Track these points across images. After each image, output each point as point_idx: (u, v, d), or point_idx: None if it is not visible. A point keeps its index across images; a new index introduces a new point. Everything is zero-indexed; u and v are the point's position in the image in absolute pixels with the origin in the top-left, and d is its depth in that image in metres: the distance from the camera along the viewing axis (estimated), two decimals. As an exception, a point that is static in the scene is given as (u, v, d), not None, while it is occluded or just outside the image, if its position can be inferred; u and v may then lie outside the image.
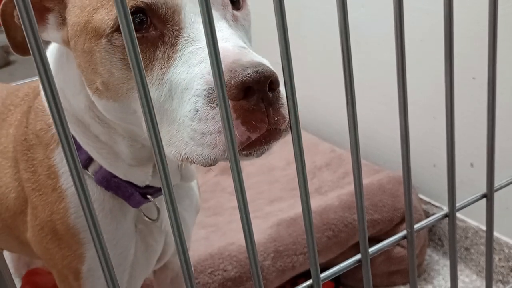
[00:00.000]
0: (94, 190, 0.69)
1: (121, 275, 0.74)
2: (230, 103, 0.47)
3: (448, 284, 1.36)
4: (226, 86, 0.47)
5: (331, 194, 1.38)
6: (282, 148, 1.68)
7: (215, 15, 0.55)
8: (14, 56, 3.35)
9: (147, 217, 0.73)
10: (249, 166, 1.61)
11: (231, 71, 0.47)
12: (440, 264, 1.44)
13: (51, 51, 0.70)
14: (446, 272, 1.41)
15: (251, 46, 0.62)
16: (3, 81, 1.03)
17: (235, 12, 0.60)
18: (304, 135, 1.64)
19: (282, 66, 0.41)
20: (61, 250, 0.71)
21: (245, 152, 0.51)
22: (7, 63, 3.29)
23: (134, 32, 0.34)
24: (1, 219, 0.80)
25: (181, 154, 0.52)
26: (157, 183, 0.71)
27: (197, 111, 0.50)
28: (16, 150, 0.74)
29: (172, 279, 0.97)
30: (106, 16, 0.54)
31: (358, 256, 0.51)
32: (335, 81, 1.64)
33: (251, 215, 0.43)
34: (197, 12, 0.53)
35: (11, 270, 1.46)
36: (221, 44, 0.50)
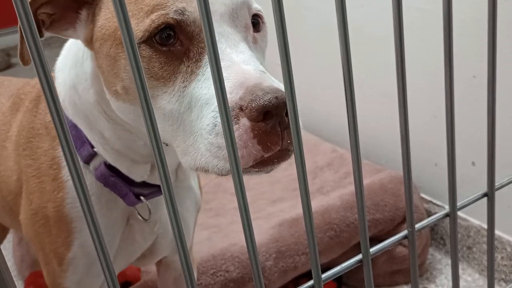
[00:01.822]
0: (93, 185, 0.73)
1: None
2: (250, 123, 0.51)
3: (451, 283, 1.36)
4: (247, 108, 0.50)
5: (333, 194, 1.38)
6: (284, 148, 1.68)
7: (238, 37, 0.58)
8: (16, 59, 3.36)
9: (140, 215, 0.76)
10: (250, 166, 1.61)
11: (252, 94, 0.51)
12: (443, 263, 1.44)
13: (69, 47, 0.73)
14: (448, 271, 1.40)
15: (264, 64, 0.65)
16: (5, 84, 1.03)
17: (255, 34, 0.63)
18: (305, 135, 1.64)
19: (282, 66, 0.41)
20: (51, 235, 0.74)
21: (256, 169, 0.54)
22: (9, 66, 3.30)
23: (135, 41, 0.35)
24: (6, 202, 0.84)
25: (196, 164, 0.56)
26: (153, 180, 0.74)
27: (215, 125, 0.52)
28: (20, 135, 0.77)
29: (175, 278, 0.99)
30: (136, 27, 0.56)
31: (359, 256, 0.51)
32: (336, 81, 1.64)
33: (253, 216, 0.43)
34: (221, 32, 0.57)
35: (14, 273, 1.46)
36: (242, 67, 0.54)
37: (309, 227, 0.45)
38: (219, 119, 0.52)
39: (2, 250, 0.37)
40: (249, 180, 1.54)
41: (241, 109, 0.51)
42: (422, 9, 1.30)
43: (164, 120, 0.58)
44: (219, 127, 0.52)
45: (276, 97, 0.50)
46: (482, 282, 1.36)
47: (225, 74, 0.53)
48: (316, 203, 1.32)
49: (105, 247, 0.40)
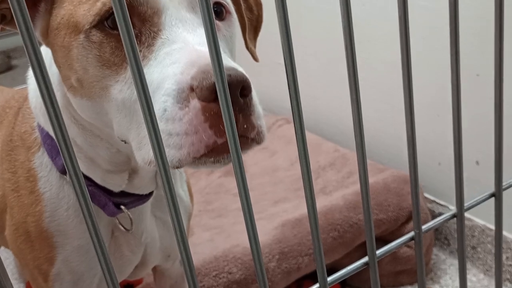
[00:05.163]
0: (71, 196, 0.70)
1: (91, 279, 0.74)
2: (200, 104, 0.47)
3: (455, 284, 1.35)
4: (198, 87, 0.46)
5: (336, 194, 1.37)
6: (286, 148, 1.68)
7: (197, 22, 0.55)
8: (16, 61, 3.35)
9: (122, 226, 0.72)
10: (252, 167, 1.60)
11: (204, 72, 0.47)
12: (447, 264, 1.43)
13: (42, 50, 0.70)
14: (453, 271, 1.39)
15: (232, 55, 0.62)
16: (5, 86, 1.02)
17: (218, 22, 0.60)
18: (307, 135, 1.63)
19: (286, 66, 0.40)
20: (33, 251, 0.71)
21: (212, 159, 0.50)
22: (9, 68, 3.30)
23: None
24: None
25: (148, 157, 0.52)
26: (132, 189, 0.71)
27: (165, 110, 0.49)
28: (2, 150, 0.75)
29: (171, 285, 0.97)
30: (88, 12, 0.54)
31: (366, 259, 0.50)
32: (337, 81, 1.63)
33: (256, 216, 0.42)
34: (179, 17, 0.54)
35: (15, 275, 1.46)
36: (196, 47, 0.51)
37: (315, 232, 0.44)
38: (169, 103, 0.48)
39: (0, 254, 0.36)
40: (251, 180, 1.53)
41: (192, 89, 0.48)
42: (425, 7, 1.29)
43: (118, 112, 0.55)
44: (169, 113, 0.48)
45: (229, 75, 0.45)
46: (487, 282, 1.35)
47: (177, 55, 0.51)
48: (319, 203, 1.31)
49: (110, 265, 0.39)
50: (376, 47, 1.47)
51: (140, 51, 0.53)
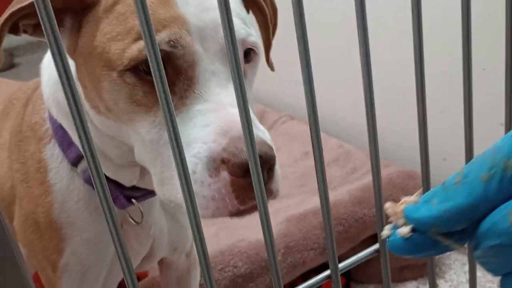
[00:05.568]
0: (81, 188, 0.70)
1: (99, 272, 0.75)
2: (229, 177, 0.50)
3: (460, 278, 1.36)
4: (229, 162, 0.49)
5: (340, 189, 1.38)
6: (289, 145, 1.68)
7: (228, 75, 0.55)
8: (19, 59, 3.36)
9: (132, 219, 0.73)
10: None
11: (237, 147, 0.50)
12: (452, 259, 1.43)
13: None
14: (457, 266, 1.40)
15: (250, 91, 0.63)
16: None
17: (245, 66, 0.61)
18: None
19: (300, 61, 0.40)
20: (42, 242, 0.72)
21: (229, 217, 0.54)
22: (12, 66, 3.31)
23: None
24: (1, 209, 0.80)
25: (171, 199, 0.55)
26: (144, 185, 0.72)
27: (194, 172, 0.51)
28: (11, 141, 0.75)
29: (177, 278, 0.98)
30: (122, 52, 0.54)
31: (376, 246, 0.50)
32: (341, 78, 1.64)
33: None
34: (212, 70, 0.55)
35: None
36: (229, 110, 0.52)
37: (326, 216, 0.44)
38: (199, 168, 0.51)
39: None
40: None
41: (223, 161, 0.50)
42: (427, 2, 1.29)
43: (143, 145, 0.57)
44: (198, 176, 0.51)
45: (261, 156, 0.48)
46: (491, 276, 1.36)
47: (210, 118, 0.52)
48: (323, 199, 1.32)
49: (124, 246, 0.40)
50: (379, 44, 1.47)
51: (173, 99, 0.53)
